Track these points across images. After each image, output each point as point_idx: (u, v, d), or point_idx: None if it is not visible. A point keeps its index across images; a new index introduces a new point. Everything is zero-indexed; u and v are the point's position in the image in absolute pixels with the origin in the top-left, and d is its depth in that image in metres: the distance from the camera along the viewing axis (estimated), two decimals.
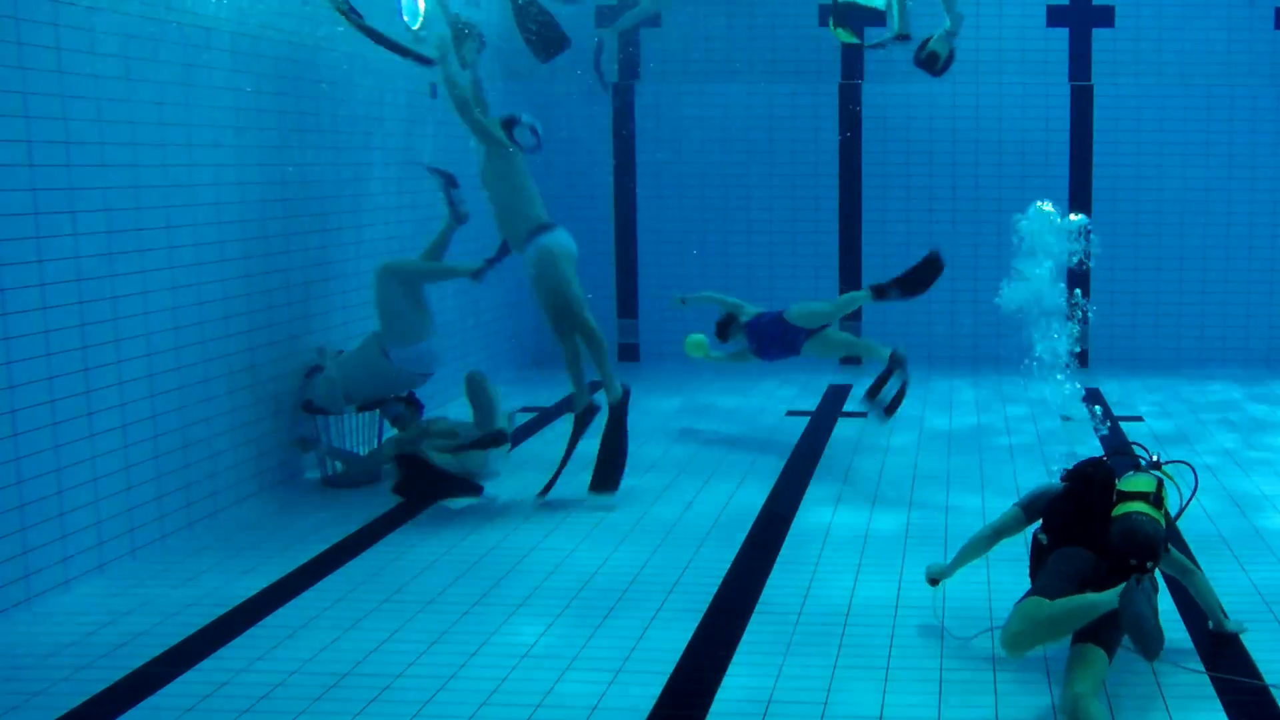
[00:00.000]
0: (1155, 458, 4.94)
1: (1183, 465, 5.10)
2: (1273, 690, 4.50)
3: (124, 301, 5.87)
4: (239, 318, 6.83)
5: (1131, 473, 4.82)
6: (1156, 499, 4.63)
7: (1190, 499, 4.97)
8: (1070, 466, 4.98)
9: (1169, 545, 4.83)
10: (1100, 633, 4.31)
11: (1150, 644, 4.12)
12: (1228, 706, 4.38)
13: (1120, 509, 4.60)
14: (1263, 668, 4.68)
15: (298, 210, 7.42)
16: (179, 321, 6.30)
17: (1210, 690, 4.50)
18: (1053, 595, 4.37)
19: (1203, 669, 4.67)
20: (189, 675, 4.68)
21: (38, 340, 5.33)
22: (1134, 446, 5.09)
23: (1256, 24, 11.23)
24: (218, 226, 6.62)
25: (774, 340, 8.57)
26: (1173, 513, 4.83)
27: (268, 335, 7.12)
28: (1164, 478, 4.79)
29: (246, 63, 6.90)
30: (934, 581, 5.24)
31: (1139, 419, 9.22)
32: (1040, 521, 4.89)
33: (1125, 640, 4.33)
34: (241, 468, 6.88)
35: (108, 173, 5.76)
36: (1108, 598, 4.23)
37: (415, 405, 7.75)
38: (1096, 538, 4.61)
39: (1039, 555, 4.77)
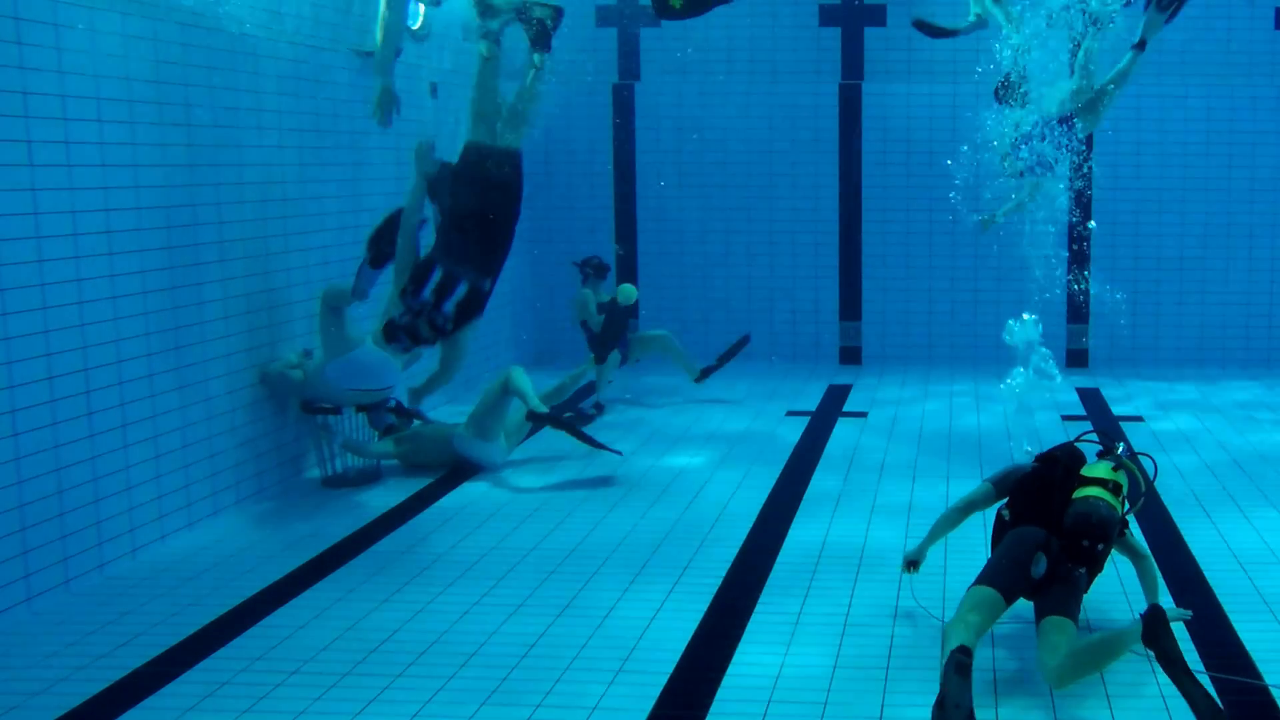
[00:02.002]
0: (1120, 448, 5.07)
1: (1145, 458, 5.27)
2: (1273, 690, 4.50)
3: (124, 301, 5.87)
4: (238, 318, 6.83)
5: (1096, 460, 4.98)
6: (1115, 486, 4.81)
7: (1145, 491, 5.10)
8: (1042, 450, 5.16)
9: (1125, 530, 4.99)
10: (1063, 607, 4.52)
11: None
12: (1228, 706, 4.38)
13: (1080, 493, 4.78)
14: (1263, 668, 4.69)
15: (298, 210, 7.42)
16: (179, 321, 6.30)
17: (1210, 690, 4.49)
18: (999, 581, 4.55)
19: (1203, 669, 4.67)
20: (189, 675, 4.68)
21: (38, 340, 5.34)
22: (1100, 434, 5.22)
23: (1256, 24, 11.23)
24: (218, 226, 6.63)
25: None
26: (1137, 495, 5.03)
27: (267, 335, 7.12)
28: (1128, 467, 4.95)
29: (248, 64, 6.90)
30: (913, 565, 5.32)
31: (1139, 419, 9.22)
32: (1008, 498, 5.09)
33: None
34: (241, 468, 6.89)
35: (108, 173, 5.77)
36: (947, 652, 4.26)
37: (407, 414, 7.75)
38: (1054, 518, 4.79)
39: (1000, 530, 4.96)
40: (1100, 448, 5.12)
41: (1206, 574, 5.74)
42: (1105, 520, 4.68)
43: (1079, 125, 8.67)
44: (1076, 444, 5.11)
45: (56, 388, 5.45)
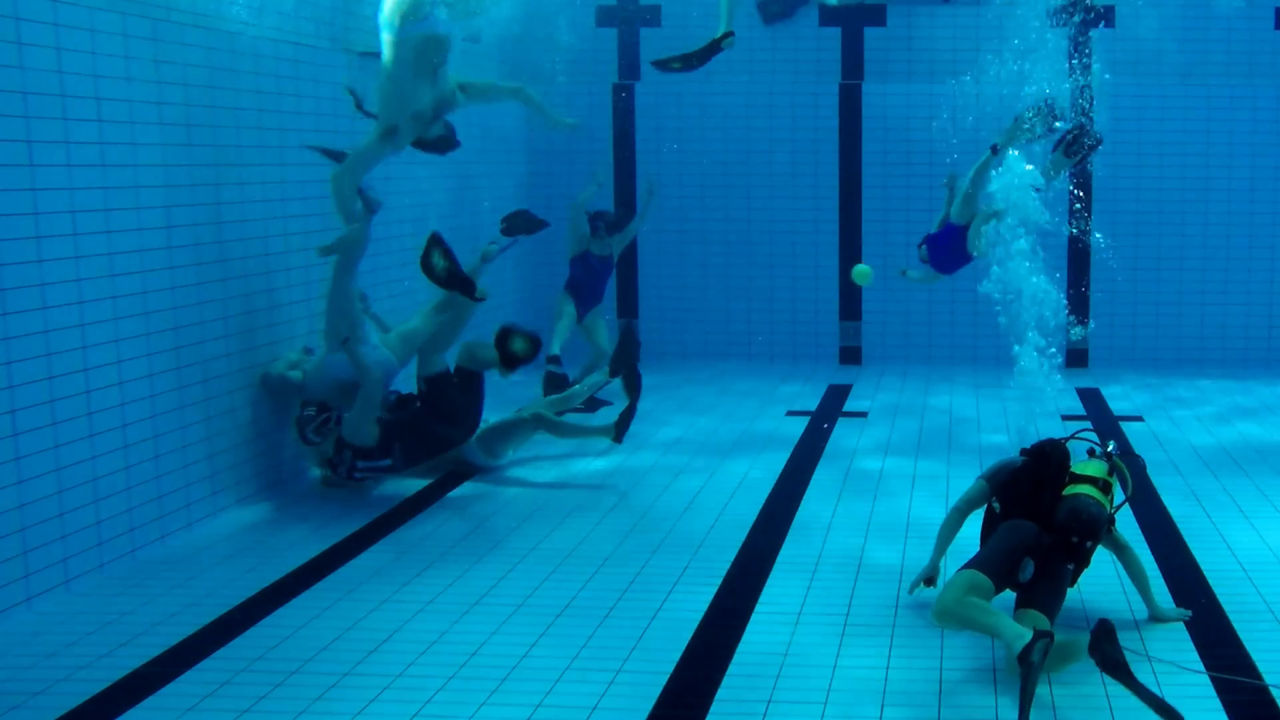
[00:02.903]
0: (1110, 447, 5.22)
1: (1136, 458, 5.59)
2: (1273, 690, 4.50)
3: (124, 301, 5.87)
4: (238, 318, 6.83)
5: (1086, 458, 5.14)
6: (1105, 485, 4.97)
7: (1133, 491, 5.29)
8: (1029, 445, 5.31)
9: (1112, 526, 5.13)
10: (1044, 600, 4.67)
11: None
12: (1228, 706, 4.38)
13: (1071, 489, 4.93)
14: (1263, 668, 4.69)
15: (299, 210, 7.41)
16: (179, 321, 6.30)
17: (1210, 690, 4.50)
18: (991, 570, 4.68)
19: (1203, 669, 4.67)
20: (189, 675, 4.68)
21: (38, 340, 5.34)
22: (1091, 433, 5.38)
23: (1256, 24, 11.23)
24: (218, 226, 6.63)
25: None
26: (1124, 495, 5.20)
27: (268, 335, 7.12)
28: (1118, 466, 5.12)
29: (247, 63, 6.90)
30: (930, 582, 5.34)
31: (1139, 419, 9.22)
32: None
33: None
34: (241, 468, 6.88)
35: (108, 173, 5.77)
36: (1013, 639, 4.38)
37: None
38: (1044, 512, 4.93)
39: (991, 522, 5.11)
40: (1089, 446, 5.25)
41: (1207, 574, 5.73)
42: (1095, 518, 4.85)
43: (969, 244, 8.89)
44: (1067, 442, 5.23)
45: (56, 388, 5.45)
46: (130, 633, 5.09)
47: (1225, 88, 11.21)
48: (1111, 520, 5.04)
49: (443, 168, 8.86)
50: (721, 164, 11.56)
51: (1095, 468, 5.04)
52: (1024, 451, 5.20)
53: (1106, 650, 4.29)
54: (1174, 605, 5.30)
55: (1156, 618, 5.15)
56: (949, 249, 8.92)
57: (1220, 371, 11.15)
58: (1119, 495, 5.15)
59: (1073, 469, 5.05)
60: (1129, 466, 5.31)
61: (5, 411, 5.16)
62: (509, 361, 7.48)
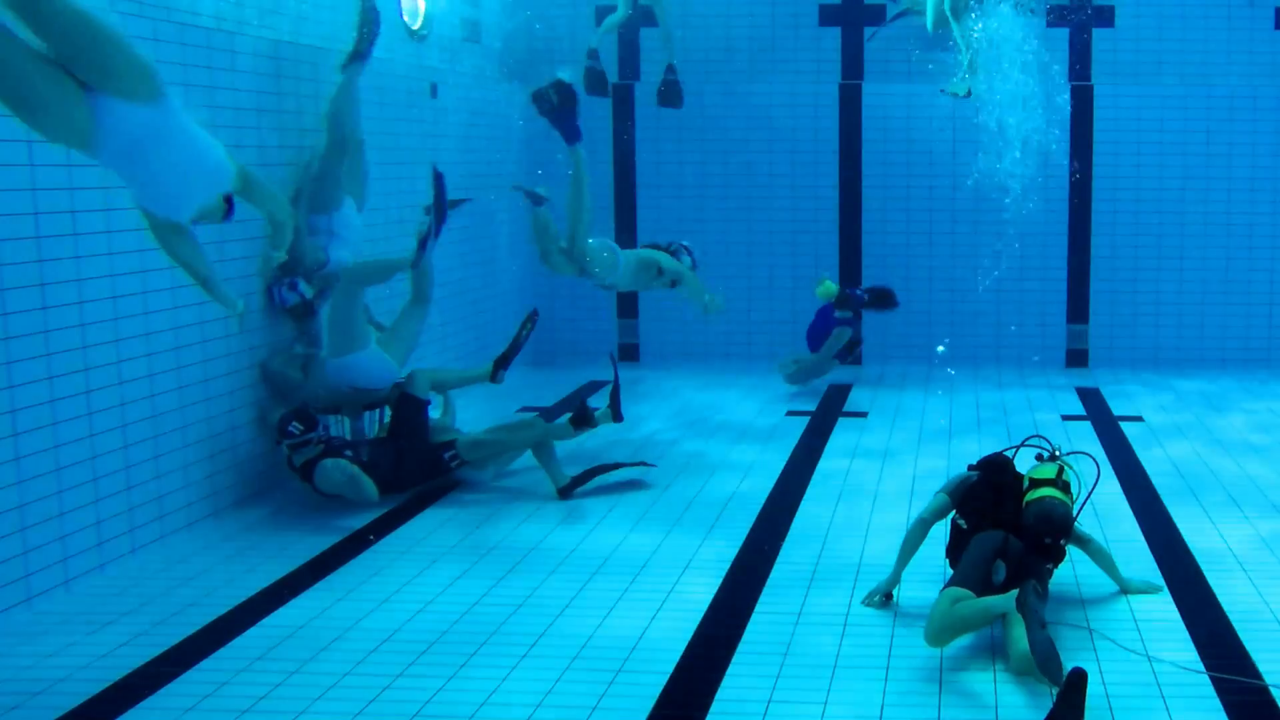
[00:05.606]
0: (1056, 450, 5.43)
1: (1084, 456, 5.64)
2: (1273, 690, 4.51)
3: (124, 301, 5.87)
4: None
5: (1037, 463, 5.34)
6: (1064, 485, 5.17)
7: (1094, 488, 5.43)
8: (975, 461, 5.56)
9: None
10: (1025, 601, 4.70)
11: (1047, 662, 4.40)
12: (1228, 706, 4.38)
13: (1033, 494, 5.12)
14: (1262, 668, 4.69)
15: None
16: (179, 321, 6.30)
17: (1210, 690, 4.51)
18: (968, 581, 4.82)
19: (1203, 669, 4.68)
20: (189, 675, 4.68)
21: (38, 340, 5.34)
22: (1036, 439, 5.57)
23: (1256, 24, 11.22)
24: (218, 227, 6.60)
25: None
26: (1079, 494, 5.34)
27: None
28: (1066, 466, 5.32)
29: (247, 62, 6.90)
30: (888, 597, 5.36)
31: (1139, 419, 9.22)
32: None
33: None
34: (242, 468, 6.89)
35: (108, 173, 5.75)
36: (1004, 601, 4.65)
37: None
38: (1010, 519, 5.11)
39: (959, 539, 5.25)
40: (1037, 452, 5.46)
41: (1207, 574, 5.74)
42: (1064, 517, 5.05)
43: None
44: (1017, 451, 5.51)
45: (56, 388, 5.45)
46: (130, 633, 5.09)
47: (1225, 88, 11.21)
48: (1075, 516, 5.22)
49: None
50: (721, 164, 11.55)
51: (1050, 470, 5.22)
52: (973, 466, 5.44)
53: (1030, 600, 4.54)
54: (1169, 602, 5.37)
55: (1127, 590, 5.42)
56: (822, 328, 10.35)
57: (1220, 371, 11.15)
58: (1081, 492, 5.35)
59: (1031, 474, 5.23)
60: (1077, 463, 5.51)
61: (5, 411, 5.17)
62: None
